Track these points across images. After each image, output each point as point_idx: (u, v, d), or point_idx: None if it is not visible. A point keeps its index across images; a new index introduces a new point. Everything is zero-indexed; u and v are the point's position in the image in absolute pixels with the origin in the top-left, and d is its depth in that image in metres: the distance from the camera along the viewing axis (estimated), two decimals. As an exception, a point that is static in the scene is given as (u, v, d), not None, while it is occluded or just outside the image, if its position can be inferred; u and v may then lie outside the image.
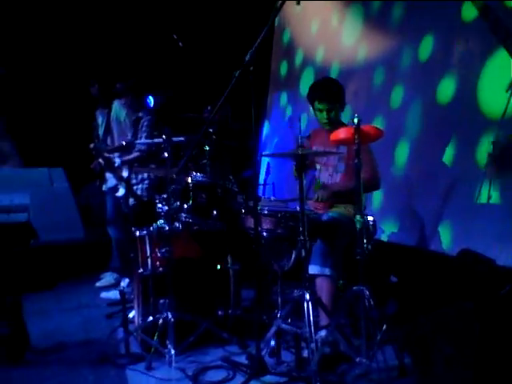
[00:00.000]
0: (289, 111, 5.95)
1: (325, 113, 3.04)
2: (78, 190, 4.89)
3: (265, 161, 5.52)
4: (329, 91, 3.06)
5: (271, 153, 5.49)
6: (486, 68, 3.14)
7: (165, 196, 2.59)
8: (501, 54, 2.96)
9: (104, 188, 4.22)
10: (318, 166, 3.26)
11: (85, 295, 4.26)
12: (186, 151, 2.57)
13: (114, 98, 4.20)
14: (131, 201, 3.99)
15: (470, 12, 3.25)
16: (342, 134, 2.44)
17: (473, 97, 3.23)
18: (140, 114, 4.06)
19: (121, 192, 4.10)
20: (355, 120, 2.30)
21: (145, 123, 3.97)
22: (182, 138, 2.73)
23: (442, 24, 3.59)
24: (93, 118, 4.33)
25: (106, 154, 3.86)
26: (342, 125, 3.07)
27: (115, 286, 4.27)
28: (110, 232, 4.28)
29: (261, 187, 5.13)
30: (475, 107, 3.21)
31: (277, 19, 6.39)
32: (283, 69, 6.27)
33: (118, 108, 4.21)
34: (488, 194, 3.04)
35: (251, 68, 2.25)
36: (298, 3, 2.28)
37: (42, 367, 2.72)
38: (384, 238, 3.92)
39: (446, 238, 3.37)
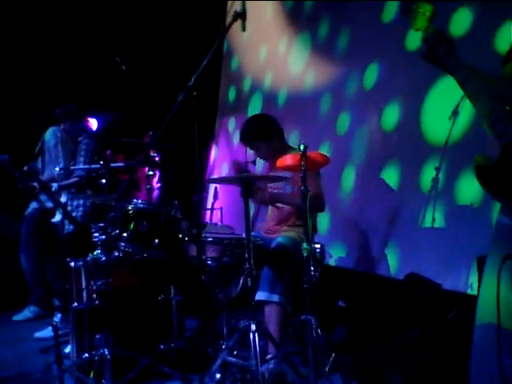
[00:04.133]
0: (237, 137, 5.91)
1: (254, 151, 3.17)
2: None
3: (212, 185, 5.44)
4: (245, 134, 3.15)
5: (217, 177, 5.39)
6: (430, 96, 3.21)
7: (102, 224, 2.44)
8: (444, 82, 3.03)
9: (26, 213, 4.02)
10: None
11: (20, 327, 4.01)
12: (127, 177, 2.44)
13: (52, 124, 4.05)
14: (66, 227, 3.82)
15: (413, 41, 3.35)
16: (288, 160, 2.40)
17: (417, 124, 3.29)
18: (80, 139, 3.92)
19: (57, 217, 3.93)
20: (301, 147, 2.26)
21: (83, 147, 3.82)
22: (121, 164, 2.60)
23: (387, 52, 3.67)
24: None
25: (42, 178, 3.67)
26: (289, 149, 3.07)
27: (33, 320, 4.09)
28: (23, 260, 4.07)
29: (208, 212, 5.03)
30: (419, 134, 3.27)
31: (225, 45, 6.43)
32: (231, 94, 6.26)
33: (49, 135, 4.05)
34: (432, 217, 3.07)
35: (194, 93, 2.18)
36: (244, 30, 2.24)
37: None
38: (332, 262, 3.90)
39: (392, 262, 3.38)
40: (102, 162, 2.43)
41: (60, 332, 3.32)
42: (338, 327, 3.46)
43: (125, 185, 2.40)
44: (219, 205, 5.19)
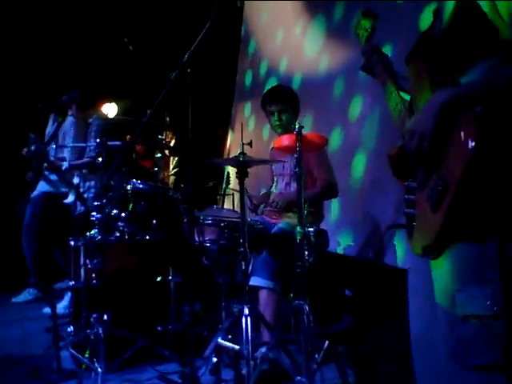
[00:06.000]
0: (252, 121, 5.86)
1: (276, 115, 3.01)
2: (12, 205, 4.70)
3: (225, 170, 5.41)
4: (279, 93, 3.09)
5: (216, 159, 5.27)
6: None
7: (98, 203, 2.43)
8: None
9: (32, 195, 4.07)
10: (274, 178, 3.20)
11: (24, 307, 4.08)
12: (118, 156, 2.43)
13: (64, 111, 4.08)
14: (78, 208, 3.84)
15: (428, 20, 3.21)
16: (285, 141, 2.34)
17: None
18: (90, 120, 3.94)
19: (70, 198, 3.96)
20: (296, 127, 2.20)
21: (93, 128, 3.85)
22: (117, 143, 2.59)
23: (401, 33, 3.54)
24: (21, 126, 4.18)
25: (52, 158, 3.69)
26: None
27: (34, 301, 4.14)
28: (25, 244, 4.09)
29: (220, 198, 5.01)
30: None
31: (243, 29, 6.36)
32: (248, 79, 6.19)
33: (67, 127, 4.07)
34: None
35: (188, 70, 2.14)
36: (239, 5, 2.18)
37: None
38: (340, 250, 3.83)
39: (400, 252, 3.29)
40: (98, 141, 2.41)
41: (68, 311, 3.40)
42: (345, 316, 3.42)
43: (116, 163, 2.38)
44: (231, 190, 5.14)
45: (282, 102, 3.02)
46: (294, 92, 3.18)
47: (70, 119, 4.09)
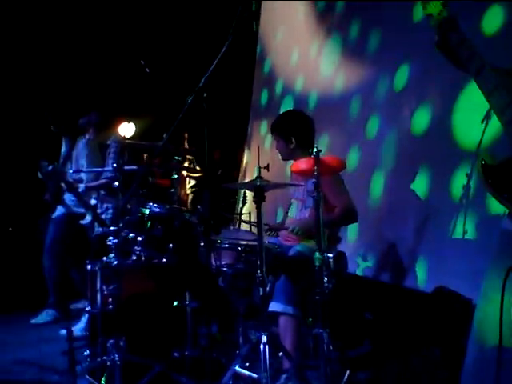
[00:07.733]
0: (268, 140, 5.85)
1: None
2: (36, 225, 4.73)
3: (241, 190, 5.38)
4: (273, 122, 3.12)
5: (232, 184, 5.20)
6: (462, 98, 3.04)
7: (115, 228, 2.41)
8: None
9: (53, 215, 4.10)
10: (292, 202, 3.16)
11: (47, 328, 4.07)
12: (135, 181, 2.41)
13: (79, 134, 4.12)
14: (96, 230, 3.83)
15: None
16: (302, 164, 2.30)
17: (448, 127, 3.12)
18: (108, 142, 3.96)
19: (87, 219, 3.96)
20: (314, 150, 2.16)
21: (112, 150, 3.87)
22: (133, 167, 2.58)
23: (418, 52, 3.51)
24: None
25: (69, 179, 3.70)
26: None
27: (52, 323, 4.12)
28: (46, 263, 4.08)
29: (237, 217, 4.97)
30: (450, 138, 3.10)
31: (258, 48, 6.40)
32: (264, 98, 6.21)
33: (80, 148, 4.12)
34: (463, 228, 2.90)
35: (204, 94, 2.13)
36: (255, 30, 2.18)
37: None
38: (359, 272, 3.76)
39: (420, 274, 3.21)
40: (115, 165, 2.40)
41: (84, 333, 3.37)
42: (365, 341, 3.33)
43: (134, 187, 2.37)
44: (248, 210, 5.11)
45: (272, 132, 3.10)
46: (288, 120, 3.07)
47: (82, 141, 4.12)
